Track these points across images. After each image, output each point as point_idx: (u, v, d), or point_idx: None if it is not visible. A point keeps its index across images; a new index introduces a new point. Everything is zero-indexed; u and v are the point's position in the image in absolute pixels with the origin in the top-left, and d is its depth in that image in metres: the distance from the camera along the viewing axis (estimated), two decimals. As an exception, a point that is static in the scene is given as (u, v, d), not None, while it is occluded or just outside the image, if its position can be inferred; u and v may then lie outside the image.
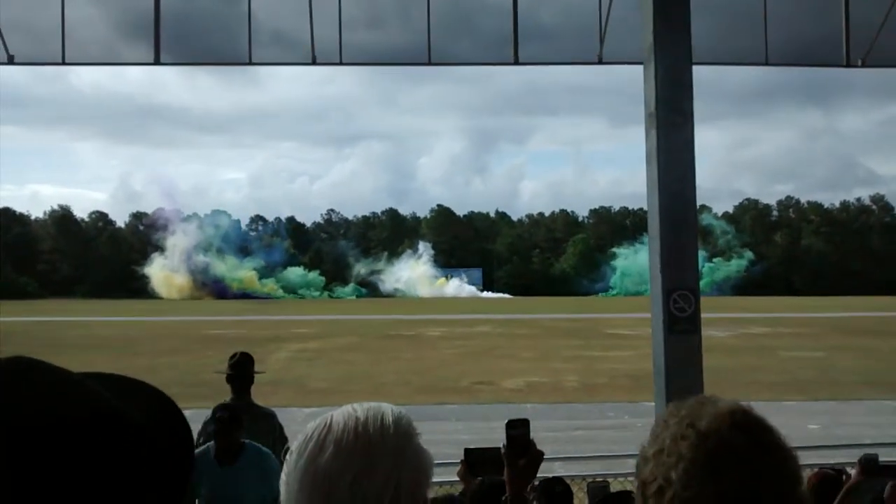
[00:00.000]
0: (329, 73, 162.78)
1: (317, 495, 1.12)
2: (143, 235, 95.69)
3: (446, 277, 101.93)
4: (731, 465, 1.03)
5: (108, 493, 0.61)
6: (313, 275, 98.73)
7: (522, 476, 2.12)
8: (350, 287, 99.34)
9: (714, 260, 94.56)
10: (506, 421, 2.16)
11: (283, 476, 1.18)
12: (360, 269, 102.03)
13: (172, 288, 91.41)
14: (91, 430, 0.61)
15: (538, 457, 2.13)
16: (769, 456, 1.05)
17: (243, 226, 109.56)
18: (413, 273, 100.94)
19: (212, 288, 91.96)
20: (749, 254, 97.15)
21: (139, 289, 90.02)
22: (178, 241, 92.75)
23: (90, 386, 0.65)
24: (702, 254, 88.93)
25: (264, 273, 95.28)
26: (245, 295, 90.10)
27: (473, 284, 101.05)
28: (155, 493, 0.66)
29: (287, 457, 1.19)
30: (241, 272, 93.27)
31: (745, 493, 1.02)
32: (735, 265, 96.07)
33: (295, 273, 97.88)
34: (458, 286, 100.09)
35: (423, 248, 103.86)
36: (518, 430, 2.12)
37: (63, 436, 0.59)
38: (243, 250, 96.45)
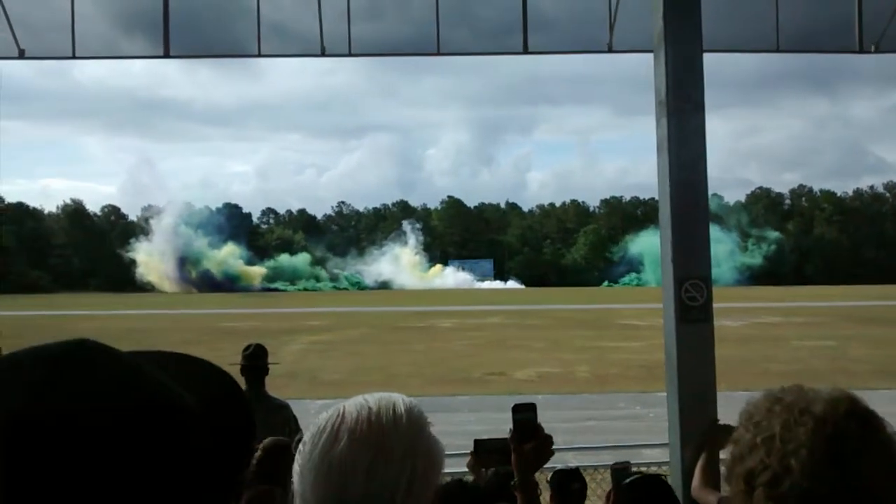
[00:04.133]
0: (330, 66, 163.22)
1: (333, 486, 1.11)
2: (153, 229, 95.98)
3: (442, 266, 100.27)
4: (851, 454, 1.01)
5: (159, 486, 0.59)
6: (301, 258, 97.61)
7: (530, 461, 2.07)
8: (345, 276, 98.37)
9: (742, 245, 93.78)
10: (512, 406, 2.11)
11: (296, 467, 1.17)
12: (353, 259, 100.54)
13: (162, 275, 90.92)
14: (146, 420, 0.60)
15: (546, 441, 2.07)
16: (884, 444, 1.03)
17: (255, 219, 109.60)
18: (401, 263, 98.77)
19: (178, 264, 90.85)
20: (775, 234, 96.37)
21: (129, 279, 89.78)
22: (168, 228, 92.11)
23: (148, 372, 0.64)
24: (731, 239, 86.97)
25: (252, 262, 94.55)
26: (210, 277, 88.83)
27: (485, 275, 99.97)
28: (211, 481, 0.65)
29: (300, 447, 1.18)
30: (220, 253, 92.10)
31: (867, 481, 1.00)
32: (760, 251, 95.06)
33: (285, 260, 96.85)
34: (453, 276, 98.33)
35: (409, 229, 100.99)
36: (524, 414, 2.06)
37: (118, 427, 0.58)
38: (247, 240, 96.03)
